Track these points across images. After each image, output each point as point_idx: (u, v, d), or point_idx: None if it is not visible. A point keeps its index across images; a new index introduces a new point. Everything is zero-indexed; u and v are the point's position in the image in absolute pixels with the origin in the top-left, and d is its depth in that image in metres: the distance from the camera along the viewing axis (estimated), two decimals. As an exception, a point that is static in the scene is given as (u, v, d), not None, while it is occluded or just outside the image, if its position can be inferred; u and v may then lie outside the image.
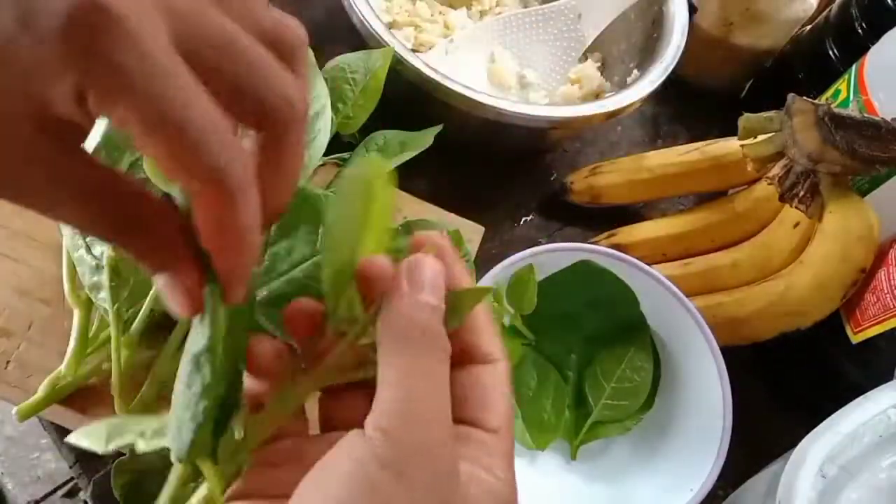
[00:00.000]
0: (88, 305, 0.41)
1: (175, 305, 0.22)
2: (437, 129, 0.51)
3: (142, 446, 0.24)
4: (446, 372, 0.22)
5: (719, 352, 0.46)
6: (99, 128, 0.36)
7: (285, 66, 0.21)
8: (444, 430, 0.21)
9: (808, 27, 0.67)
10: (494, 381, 0.24)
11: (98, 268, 0.40)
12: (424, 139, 0.51)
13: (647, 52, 0.61)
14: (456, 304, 0.24)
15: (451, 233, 0.45)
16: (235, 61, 0.20)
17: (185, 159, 0.19)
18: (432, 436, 0.21)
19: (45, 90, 0.18)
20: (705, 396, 0.46)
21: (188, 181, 0.20)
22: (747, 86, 0.73)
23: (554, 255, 0.48)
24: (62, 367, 0.40)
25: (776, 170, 0.52)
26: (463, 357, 0.24)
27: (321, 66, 0.49)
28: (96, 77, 0.18)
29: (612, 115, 0.54)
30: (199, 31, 0.19)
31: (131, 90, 0.18)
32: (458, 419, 0.23)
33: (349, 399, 0.25)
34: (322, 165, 0.49)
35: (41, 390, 0.40)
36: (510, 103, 0.52)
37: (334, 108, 0.49)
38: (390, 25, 0.62)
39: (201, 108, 0.19)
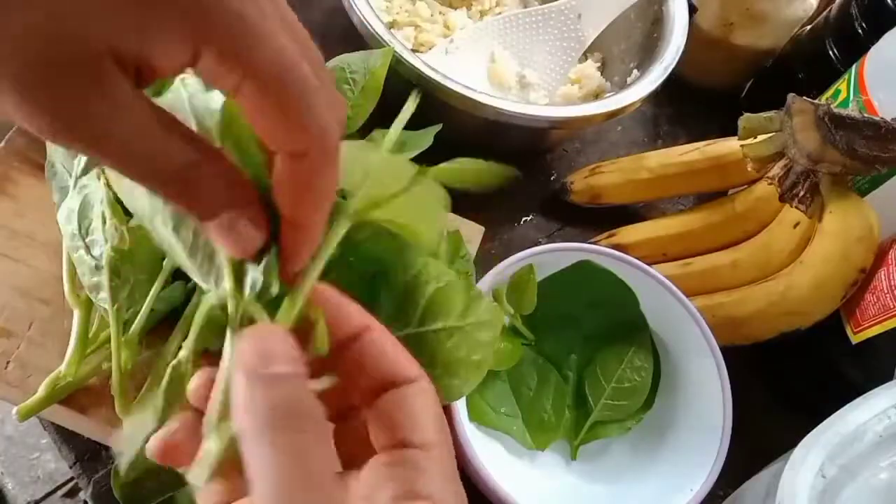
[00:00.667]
0: (88, 305, 0.41)
1: (233, 245, 0.23)
2: (437, 128, 0.51)
3: None
4: (316, 441, 0.21)
5: (719, 352, 0.46)
6: None
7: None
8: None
9: (808, 27, 0.67)
10: (416, 399, 0.24)
11: (97, 268, 0.40)
12: (424, 138, 0.51)
13: (647, 52, 0.61)
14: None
15: (451, 233, 0.45)
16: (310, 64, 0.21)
17: (301, 119, 0.20)
18: None
19: (129, 30, 0.18)
20: (705, 396, 0.46)
21: (294, 144, 0.21)
22: (747, 86, 0.73)
23: (554, 255, 0.48)
24: (62, 367, 0.40)
25: (776, 170, 0.52)
26: (380, 385, 0.24)
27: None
28: (219, 36, 0.19)
29: (612, 115, 0.54)
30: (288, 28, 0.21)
31: (257, 50, 0.19)
32: (390, 444, 0.23)
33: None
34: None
35: (41, 390, 0.40)
36: (510, 103, 0.52)
37: None
38: (390, 25, 0.62)
39: (307, 70, 0.20)
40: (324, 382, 0.24)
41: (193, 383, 0.24)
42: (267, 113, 0.21)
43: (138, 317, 0.40)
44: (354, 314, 0.25)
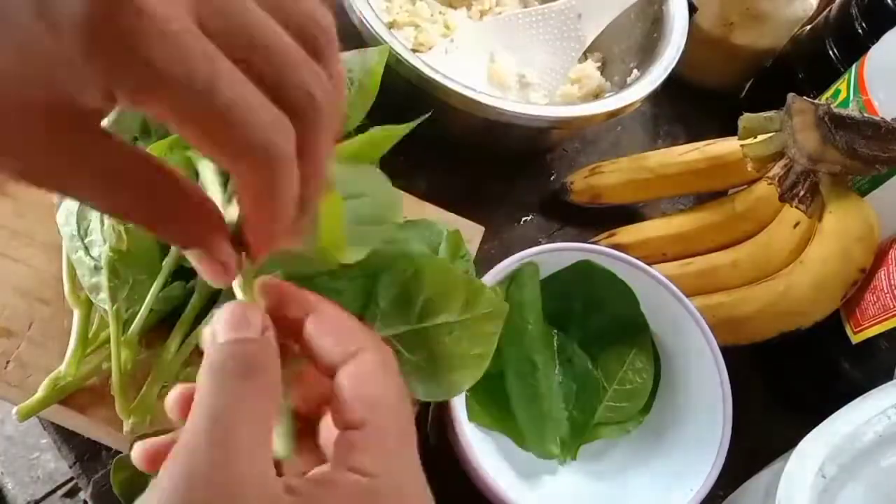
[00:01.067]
0: (88, 305, 0.41)
1: (207, 276, 0.23)
2: (423, 118, 0.51)
3: None
4: (257, 393, 0.22)
5: (719, 352, 0.46)
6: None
7: (314, 59, 0.21)
8: (252, 467, 0.21)
9: (808, 27, 0.67)
10: (350, 376, 0.24)
11: (97, 269, 0.40)
12: (404, 128, 0.51)
13: (647, 52, 0.61)
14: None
15: (451, 233, 0.45)
16: (261, 51, 0.19)
17: (225, 142, 0.19)
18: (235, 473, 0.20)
19: (66, 84, 0.17)
20: (705, 396, 0.46)
21: (229, 160, 0.20)
22: (747, 86, 0.73)
23: (554, 255, 0.48)
24: (62, 367, 0.40)
25: (776, 169, 0.52)
26: (328, 367, 0.25)
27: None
28: (123, 74, 0.17)
29: (612, 115, 0.54)
30: (227, 18, 0.19)
31: (163, 84, 0.17)
32: (336, 426, 0.24)
33: None
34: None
35: (41, 390, 0.40)
36: (510, 103, 0.52)
37: None
38: (390, 25, 0.62)
39: (237, 90, 0.18)
40: (294, 366, 0.25)
41: (171, 397, 0.25)
42: (190, 138, 0.19)
43: (138, 317, 0.40)
44: (297, 299, 0.25)
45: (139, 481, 0.35)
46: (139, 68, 0.17)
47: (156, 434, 0.35)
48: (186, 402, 0.23)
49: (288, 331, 0.25)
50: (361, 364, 0.24)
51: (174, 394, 0.25)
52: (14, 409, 0.39)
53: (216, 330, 0.23)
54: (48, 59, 0.17)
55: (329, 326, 0.25)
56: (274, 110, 0.19)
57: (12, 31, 0.17)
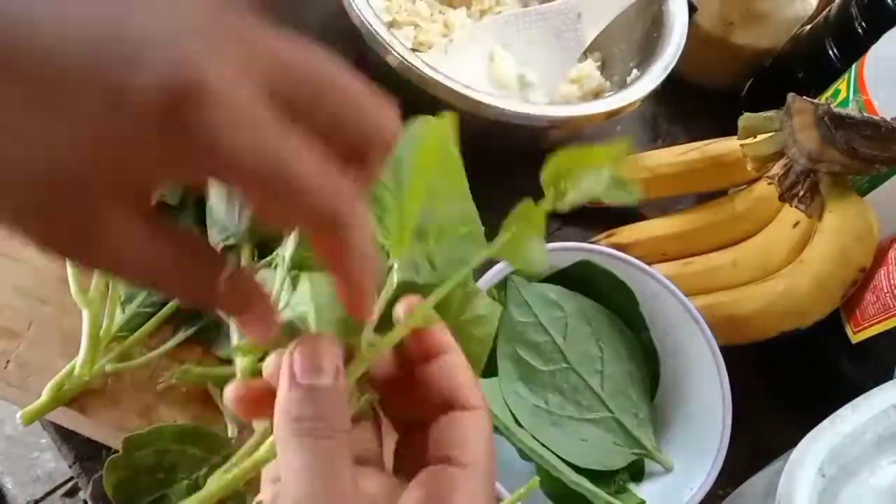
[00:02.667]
0: (97, 305, 0.41)
1: (251, 338, 0.24)
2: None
3: None
4: (340, 449, 0.23)
5: (719, 351, 0.46)
6: None
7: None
8: None
9: (808, 27, 0.67)
10: (472, 424, 0.25)
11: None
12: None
13: (646, 52, 0.61)
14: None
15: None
16: (337, 100, 0.20)
17: (295, 215, 0.20)
18: None
19: (137, 171, 0.18)
20: (705, 396, 0.46)
21: (301, 229, 0.21)
22: (747, 85, 0.73)
23: (554, 255, 0.47)
24: (77, 368, 0.40)
25: (776, 169, 0.52)
26: (444, 405, 0.25)
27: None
28: (192, 162, 0.18)
29: (611, 115, 0.54)
30: (299, 74, 0.19)
31: (231, 170, 0.18)
32: (433, 459, 0.24)
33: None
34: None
35: (45, 394, 0.39)
36: (510, 103, 0.52)
37: None
38: (390, 25, 0.62)
39: (308, 166, 0.19)
40: (363, 402, 0.26)
41: (231, 394, 0.25)
42: (259, 211, 0.20)
43: (134, 316, 0.40)
44: (436, 333, 0.27)
45: (133, 483, 0.35)
46: (209, 157, 0.18)
47: (151, 434, 0.35)
48: (253, 403, 0.24)
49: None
50: (486, 417, 0.26)
51: (234, 391, 0.25)
52: (18, 414, 0.39)
53: (295, 367, 0.23)
54: (118, 146, 0.17)
55: (468, 371, 0.27)
56: (338, 178, 0.20)
57: (86, 120, 0.17)
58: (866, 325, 0.48)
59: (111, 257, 0.19)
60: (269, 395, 0.24)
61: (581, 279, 0.48)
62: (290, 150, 0.19)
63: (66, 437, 0.43)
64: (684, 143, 0.60)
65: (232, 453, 0.35)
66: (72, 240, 0.19)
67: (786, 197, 0.51)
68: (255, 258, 0.40)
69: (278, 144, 0.18)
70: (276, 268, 0.32)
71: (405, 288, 0.27)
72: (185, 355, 0.43)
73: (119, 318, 0.41)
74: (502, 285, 0.46)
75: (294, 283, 0.36)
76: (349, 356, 0.25)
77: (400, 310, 0.26)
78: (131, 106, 0.17)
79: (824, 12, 0.65)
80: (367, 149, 0.21)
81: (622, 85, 0.60)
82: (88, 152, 0.17)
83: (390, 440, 0.28)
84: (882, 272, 0.47)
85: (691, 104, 0.71)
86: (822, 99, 0.56)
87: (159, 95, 0.17)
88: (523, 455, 0.42)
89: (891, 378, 0.42)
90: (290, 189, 0.19)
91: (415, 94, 0.51)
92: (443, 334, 0.27)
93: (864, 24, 0.59)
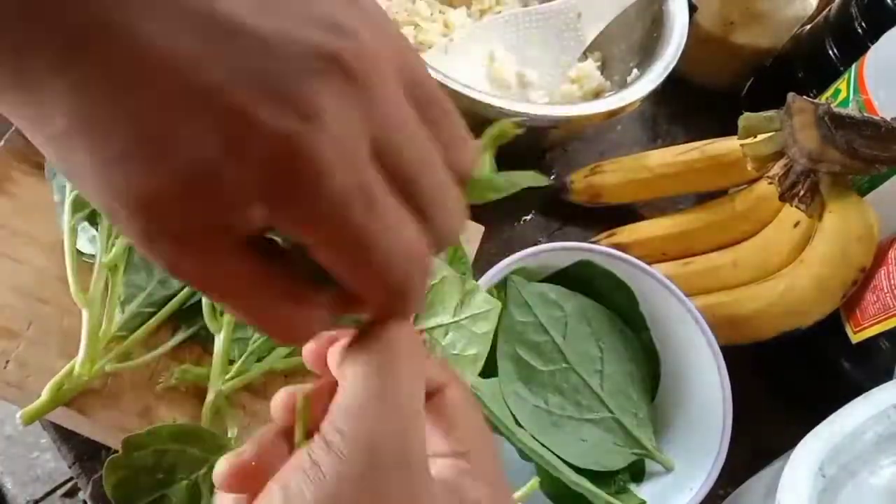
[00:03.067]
0: (97, 304, 0.41)
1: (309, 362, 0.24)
2: None
3: None
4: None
5: (719, 351, 0.46)
6: None
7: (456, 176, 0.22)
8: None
9: (808, 26, 0.67)
10: (450, 406, 0.24)
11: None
12: None
13: (647, 52, 0.61)
14: None
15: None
16: (427, 182, 0.20)
17: (368, 284, 0.20)
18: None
19: (232, 210, 0.18)
20: (705, 396, 0.46)
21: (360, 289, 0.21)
22: (747, 85, 0.73)
23: (554, 255, 0.47)
24: (76, 367, 0.40)
25: (776, 169, 0.52)
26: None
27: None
28: (289, 211, 0.18)
29: (612, 115, 0.54)
30: (403, 147, 0.20)
31: (317, 226, 0.18)
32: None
33: None
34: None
35: (45, 394, 0.39)
36: (510, 102, 0.52)
37: None
38: (390, 25, 0.62)
39: (393, 237, 0.19)
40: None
41: (277, 400, 0.24)
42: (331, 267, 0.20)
43: (134, 316, 0.40)
44: (436, 370, 0.25)
45: (132, 483, 0.35)
46: (304, 211, 0.18)
47: (150, 434, 0.35)
48: (246, 479, 0.22)
49: None
50: (456, 392, 0.24)
51: (281, 397, 0.24)
52: (18, 414, 0.39)
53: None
54: (223, 188, 0.17)
55: (468, 405, 0.25)
56: (417, 245, 0.20)
57: (202, 163, 0.17)
58: (866, 325, 0.48)
59: (215, 286, 0.20)
60: (262, 471, 0.22)
61: (581, 279, 0.48)
62: (380, 216, 0.19)
63: (65, 437, 0.43)
64: (684, 143, 0.59)
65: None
66: (183, 262, 0.19)
67: (786, 197, 0.51)
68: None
69: (368, 208, 0.19)
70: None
71: None
72: (185, 355, 0.43)
73: (119, 318, 0.41)
74: (502, 285, 0.46)
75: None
76: None
77: None
78: (246, 153, 0.17)
79: (824, 12, 0.65)
80: (435, 240, 0.21)
81: (622, 85, 0.60)
82: (197, 188, 0.17)
83: None
84: (882, 272, 0.47)
85: (691, 104, 0.71)
86: (823, 99, 0.56)
87: (272, 149, 0.17)
88: (523, 455, 0.42)
89: (891, 378, 0.42)
90: (368, 252, 0.19)
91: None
92: (443, 370, 0.25)
93: (864, 24, 0.59)
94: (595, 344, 0.47)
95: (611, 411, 0.46)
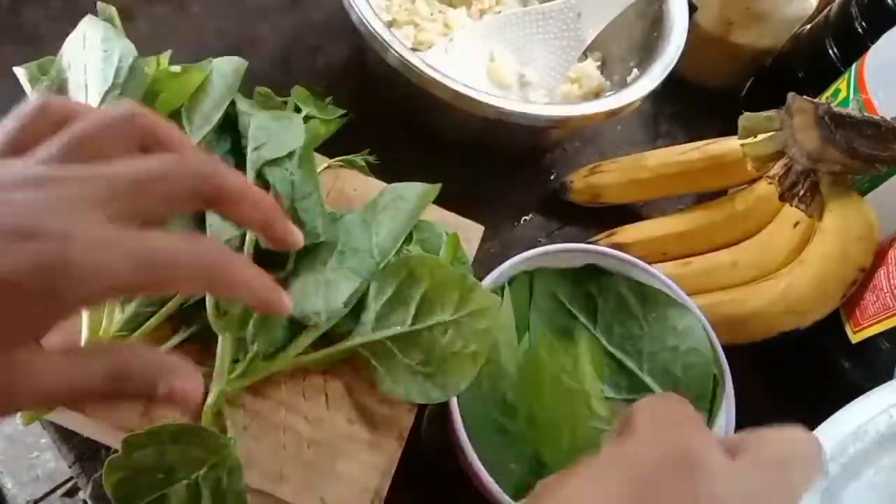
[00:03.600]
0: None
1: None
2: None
3: None
4: None
5: (720, 351, 0.46)
6: None
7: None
8: None
9: (808, 26, 0.67)
10: None
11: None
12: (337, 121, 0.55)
13: (647, 51, 0.61)
14: None
15: (450, 236, 0.45)
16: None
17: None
18: None
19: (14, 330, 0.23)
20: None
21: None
22: (747, 85, 0.73)
23: (554, 256, 0.47)
24: None
25: (776, 169, 0.52)
26: None
27: (317, 66, 0.49)
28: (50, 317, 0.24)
29: (612, 114, 0.54)
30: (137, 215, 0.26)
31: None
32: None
33: None
34: (327, 167, 0.49)
35: (43, 392, 0.39)
36: (510, 102, 0.52)
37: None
38: (390, 24, 0.62)
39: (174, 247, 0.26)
40: None
41: None
42: None
43: (134, 316, 0.40)
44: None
45: (132, 483, 0.35)
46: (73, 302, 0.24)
47: (150, 434, 0.35)
48: None
49: None
50: None
51: None
52: (18, 413, 0.39)
53: None
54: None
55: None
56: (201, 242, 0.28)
57: None
58: (866, 324, 0.48)
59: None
60: None
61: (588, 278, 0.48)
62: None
63: (66, 437, 0.43)
64: (684, 142, 0.60)
65: (232, 453, 0.35)
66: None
67: (786, 197, 0.51)
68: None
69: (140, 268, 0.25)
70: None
71: None
72: (185, 355, 0.43)
73: (119, 318, 0.41)
74: (507, 285, 0.46)
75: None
76: None
77: None
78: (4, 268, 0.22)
79: (824, 12, 0.65)
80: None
81: (622, 85, 0.60)
82: None
83: None
84: (882, 272, 0.47)
85: (691, 104, 0.71)
86: (823, 98, 0.56)
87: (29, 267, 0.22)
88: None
89: (891, 378, 0.42)
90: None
91: (414, 93, 0.51)
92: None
93: (864, 23, 0.59)
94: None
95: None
